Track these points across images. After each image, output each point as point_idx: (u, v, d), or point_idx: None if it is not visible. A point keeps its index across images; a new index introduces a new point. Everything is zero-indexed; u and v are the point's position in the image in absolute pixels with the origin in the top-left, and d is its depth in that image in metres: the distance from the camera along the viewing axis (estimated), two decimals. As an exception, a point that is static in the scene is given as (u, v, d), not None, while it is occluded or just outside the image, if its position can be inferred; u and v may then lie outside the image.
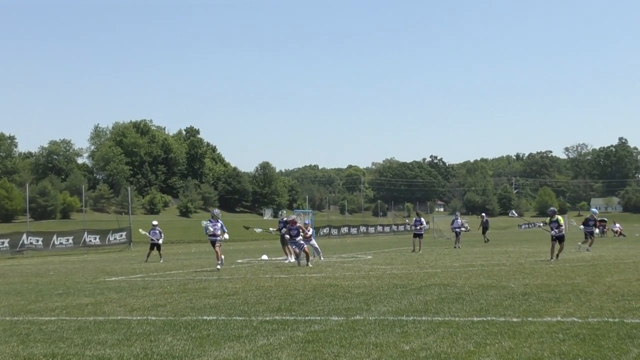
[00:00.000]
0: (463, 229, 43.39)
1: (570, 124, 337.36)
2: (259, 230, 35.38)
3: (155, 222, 39.90)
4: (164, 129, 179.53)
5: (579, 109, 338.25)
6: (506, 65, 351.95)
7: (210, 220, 26.75)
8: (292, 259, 29.71)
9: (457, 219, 45.80)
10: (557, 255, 27.20)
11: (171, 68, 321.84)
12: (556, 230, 27.07)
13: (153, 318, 12.99)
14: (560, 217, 27.73)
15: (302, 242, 27.33)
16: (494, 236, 55.70)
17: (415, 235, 39.03)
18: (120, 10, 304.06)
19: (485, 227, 55.45)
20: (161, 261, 35.25)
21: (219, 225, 26.38)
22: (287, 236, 28.33)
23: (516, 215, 36.72)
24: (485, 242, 51.66)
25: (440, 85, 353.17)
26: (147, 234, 37.24)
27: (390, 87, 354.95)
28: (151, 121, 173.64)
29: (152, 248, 36.96)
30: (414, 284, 18.12)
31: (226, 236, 26.62)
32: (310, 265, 26.37)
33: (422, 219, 40.25)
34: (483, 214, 61.72)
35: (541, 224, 28.32)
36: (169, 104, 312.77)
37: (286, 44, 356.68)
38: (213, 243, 26.46)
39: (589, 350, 8.56)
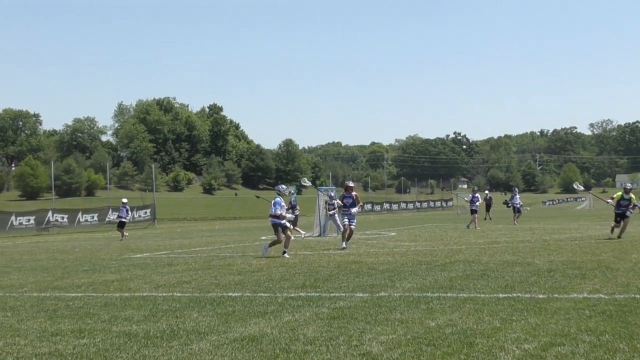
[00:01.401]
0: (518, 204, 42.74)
1: (595, 99, 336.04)
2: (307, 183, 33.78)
3: (124, 200, 40.18)
4: (187, 106, 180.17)
5: (604, 84, 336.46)
6: (530, 41, 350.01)
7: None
8: (305, 233, 29.68)
9: (516, 195, 44.60)
10: (620, 236, 25.16)
11: (194, 45, 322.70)
12: (624, 208, 25.23)
13: (178, 294, 13.05)
14: (633, 196, 25.64)
15: (353, 219, 24.30)
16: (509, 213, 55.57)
17: (472, 212, 38.58)
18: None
19: (488, 204, 54.97)
20: (121, 240, 35.47)
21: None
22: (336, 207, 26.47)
23: (582, 188, 35.36)
24: (485, 219, 50.79)
25: (464, 62, 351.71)
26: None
27: (412, 63, 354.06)
28: (175, 98, 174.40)
29: (121, 226, 37.30)
30: (439, 261, 18.09)
31: (289, 216, 22.76)
32: (345, 246, 23.66)
33: (478, 195, 40.17)
34: (487, 191, 61.25)
35: (609, 200, 26.31)
36: (193, 82, 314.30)
37: (310, 22, 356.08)
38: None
39: (616, 327, 8.51)
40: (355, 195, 24.57)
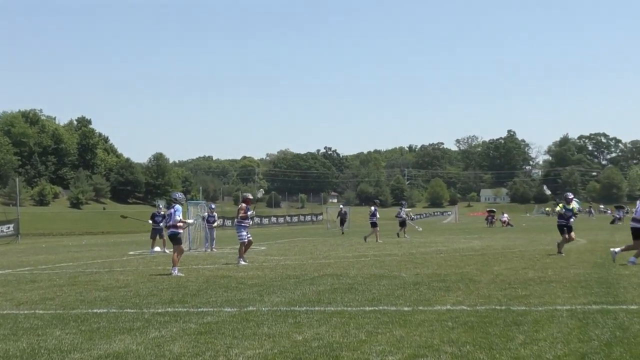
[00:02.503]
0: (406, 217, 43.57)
1: (462, 116, 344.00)
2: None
3: None
4: (55, 119, 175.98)
5: (470, 101, 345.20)
6: (398, 59, 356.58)
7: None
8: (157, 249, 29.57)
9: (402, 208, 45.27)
10: (560, 251, 23.92)
11: (61, 57, 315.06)
12: (566, 221, 24.22)
13: (41, 312, 12.69)
14: (575, 205, 24.74)
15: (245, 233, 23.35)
16: (387, 227, 56.37)
17: (373, 225, 38.76)
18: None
19: (343, 219, 55.85)
20: None
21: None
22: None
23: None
24: (342, 234, 52.14)
25: (334, 78, 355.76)
26: None
27: (283, 78, 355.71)
28: (41, 111, 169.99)
29: None
30: (307, 275, 18.19)
31: (190, 221, 23.41)
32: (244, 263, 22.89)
33: (374, 208, 40.48)
34: (341, 206, 62.15)
35: (551, 211, 25.54)
36: (60, 94, 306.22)
37: (179, 36, 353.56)
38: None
39: (477, 337, 8.75)
40: (241, 207, 24.02)
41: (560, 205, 24.87)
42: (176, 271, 19.80)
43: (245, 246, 23.36)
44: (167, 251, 31.34)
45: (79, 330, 10.36)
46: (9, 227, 60.41)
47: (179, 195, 22.04)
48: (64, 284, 17.85)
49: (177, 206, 20.91)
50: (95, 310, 12.57)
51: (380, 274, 17.92)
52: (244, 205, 23.65)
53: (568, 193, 25.78)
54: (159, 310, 12.25)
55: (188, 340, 9.32)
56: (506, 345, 8.24)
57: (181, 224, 20.88)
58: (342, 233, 52.48)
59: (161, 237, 32.75)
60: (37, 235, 73.05)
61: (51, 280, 19.09)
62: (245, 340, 9.18)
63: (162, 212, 32.96)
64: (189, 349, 8.75)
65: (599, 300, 11.77)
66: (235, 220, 24.20)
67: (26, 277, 20.58)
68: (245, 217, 23.22)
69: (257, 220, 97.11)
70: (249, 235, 23.37)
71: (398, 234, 40.36)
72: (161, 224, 30.72)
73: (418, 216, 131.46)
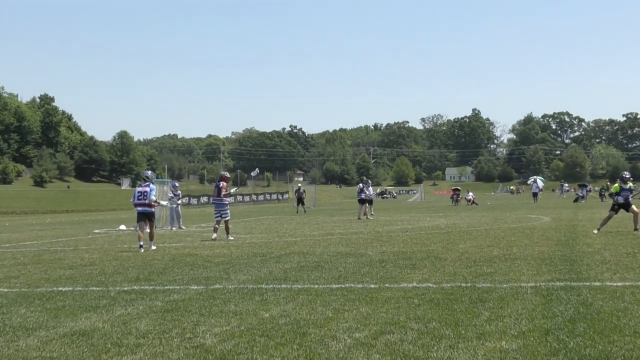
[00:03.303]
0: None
1: (427, 95, 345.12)
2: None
3: None
4: (17, 96, 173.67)
5: (435, 80, 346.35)
6: (365, 40, 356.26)
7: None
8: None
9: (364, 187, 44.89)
10: (636, 228, 23.04)
11: (24, 33, 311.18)
12: (630, 197, 23.88)
13: (5, 290, 12.59)
14: (631, 184, 24.37)
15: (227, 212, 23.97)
16: (350, 205, 56.33)
17: (361, 202, 39.02)
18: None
19: (300, 198, 55.47)
20: None
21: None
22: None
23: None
24: (297, 212, 51.85)
25: (300, 58, 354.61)
26: None
27: (247, 58, 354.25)
28: (3, 88, 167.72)
29: None
30: (274, 253, 18.19)
31: (164, 202, 23.78)
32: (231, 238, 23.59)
33: (362, 185, 40.44)
34: (299, 185, 61.93)
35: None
36: (23, 71, 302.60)
37: (144, 13, 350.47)
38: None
39: (442, 314, 8.80)
40: (222, 186, 24.31)
41: (617, 185, 24.40)
42: (143, 246, 20.20)
43: (226, 223, 23.84)
44: (183, 227, 32.04)
45: (44, 308, 10.29)
46: (-29, 206, 59.86)
47: (150, 173, 22.20)
48: (28, 263, 17.72)
49: (152, 185, 21.10)
50: (60, 289, 12.47)
51: (346, 251, 17.96)
52: (224, 183, 23.93)
53: (625, 172, 25.58)
54: (125, 288, 12.20)
55: (154, 317, 9.29)
56: (471, 322, 8.30)
57: (155, 203, 21.17)
58: (297, 212, 51.78)
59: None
60: (0, 214, 72.38)
61: (15, 259, 18.93)
62: (212, 317, 9.17)
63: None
64: (156, 326, 8.72)
65: (563, 277, 11.88)
66: (214, 198, 24.65)
67: (-11, 256, 20.38)
68: (228, 195, 23.97)
69: (174, 202, 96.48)
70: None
71: (363, 215, 39.74)
72: (163, 201, 30.60)
73: (382, 196, 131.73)
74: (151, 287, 12.26)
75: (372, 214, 39.47)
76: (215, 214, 24.06)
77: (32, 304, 10.73)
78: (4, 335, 8.53)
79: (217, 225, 23.92)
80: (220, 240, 23.06)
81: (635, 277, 11.67)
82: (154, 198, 20.88)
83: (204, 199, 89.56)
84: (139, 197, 20.98)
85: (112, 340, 7.99)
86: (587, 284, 11.00)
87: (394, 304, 9.70)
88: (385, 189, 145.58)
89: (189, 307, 9.96)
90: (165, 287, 12.20)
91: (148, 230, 20.81)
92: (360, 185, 40.33)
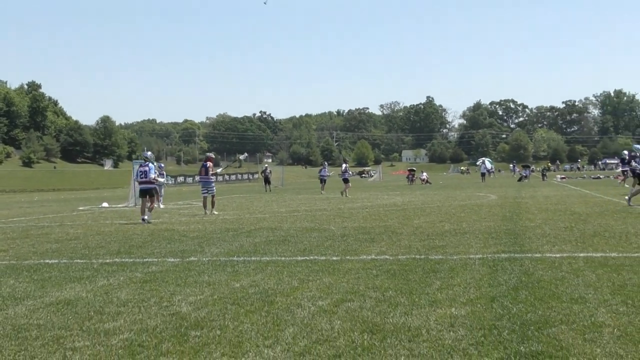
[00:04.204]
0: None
1: (385, 83, 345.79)
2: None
3: None
4: (6, 83, 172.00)
5: (393, 69, 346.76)
6: (327, 28, 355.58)
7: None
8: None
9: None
10: None
11: (12, 24, 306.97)
12: None
13: (-5, 263, 12.47)
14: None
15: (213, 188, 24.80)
16: (314, 184, 56.29)
17: (345, 181, 39.26)
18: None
19: (267, 178, 55.50)
20: None
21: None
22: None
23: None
24: (265, 191, 51.80)
25: (269, 46, 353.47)
26: None
27: (222, 46, 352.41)
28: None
29: None
30: (245, 228, 18.17)
31: (162, 180, 24.70)
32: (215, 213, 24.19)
33: (346, 166, 41.14)
34: (266, 165, 61.78)
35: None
36: (11, 58, 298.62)
37: (122, 2, 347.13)
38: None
39: (398, 284, 8.84)
40: (209, 166, 25.31)
41: None
42: (146, 218, 21.17)
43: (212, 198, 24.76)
44: (162, 206, 31.36)
45: (31, 279, 10.21)
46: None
47: (149, 154, 23.31)
48: (17, 237, 17.55)
49: (151, 165, 22.11)
50: (46, 261, 12.38)
51: (311, 227, 17.98)
52: (211, 163, 25.05)
53: None
54: (107, 261, 12.13)
55: (134, 287, 9.25)
56: (424, 290, 8.34)
57: (155, 180, 22.34)
58: (266, 191, 51.71)
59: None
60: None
61: (5, 234, 18.74)
62: (187, 287, 9.14)
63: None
64: (135, 295, 8.68)
65: (507, 249, 11.97)
66: (201, 176, 25.43)
67: (-19, 231, 20.16)
68: (215, 174, 25.22)
69: (197, 178, 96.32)
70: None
71: (342, 193, 39.17)
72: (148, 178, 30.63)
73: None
74: (131, 260, 12.20)
75: (346, 194, 39.22)
76: (203, 190, 24.90)
77: (21, 275, 10.64)
78: (-6, 304, 8.46)
79: (205, 202, 24.71)
80: (210, 214, 23.84)
81: (572, 249, 11.79)
82: (153, 175, 21.97)
83: (180, 179, 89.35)
84: (141, 176, 22.07)
85: (94, 308, 7.95)
86: (529, 255, 11.10)
87: (354, 274, 9.72)
88: (364, 169, 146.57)
89: (166, 278, 9.92)
90: (144, 260, 12.14)
91: (149, 205, 21.62)
92: (344, 165, 40.44)
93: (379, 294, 8.22)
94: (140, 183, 22.30)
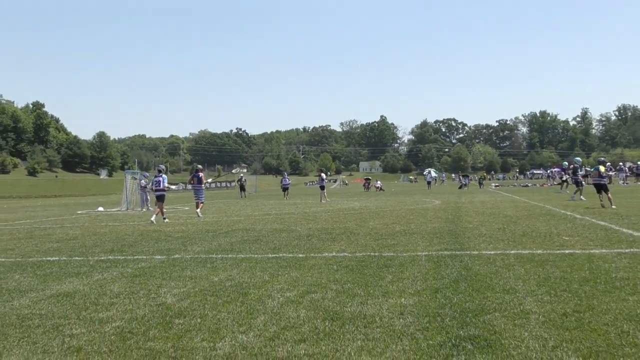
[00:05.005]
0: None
1: (344, 103, 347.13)
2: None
3: None
4: (13, 102, 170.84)
5: (350, 91, 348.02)
6: (293, 53, 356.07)
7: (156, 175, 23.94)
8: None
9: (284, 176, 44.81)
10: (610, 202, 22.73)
11: (20, 50, 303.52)
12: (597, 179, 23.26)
13: (2, 260, 12.30)
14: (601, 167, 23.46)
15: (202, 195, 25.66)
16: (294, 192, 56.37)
17: (321, 188, 39.27)
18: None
19: (242, 185, 55.90)
20: None
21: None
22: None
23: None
24: (241, 197, 51.73)
25: (244, 71, 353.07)
26: None
27: (202, 70, 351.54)
28: (1, 96, 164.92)
29: None
30: (222, 229, 18.09)
31: (173, 187, 25.23)
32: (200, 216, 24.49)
33: (323, 175, 40.58)
34: (241, 175, 61.92)
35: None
36: (18, 81, 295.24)
37: (122, 20, 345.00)
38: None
39: (355, 277, 8.85)
40: (202, 176, 26.09)
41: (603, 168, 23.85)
42: (155, 217, 22.21)
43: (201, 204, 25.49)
44: (150, 208, 31.38)
45: (35, 275, 10.08)
46: (-25, 192, 58.37)
47: (162, 166, 24.97)
48: (22, 237, 17.33)
49: (164, 175, 23.46)
50: (48, 258, 12.24)
51: (280, 228, 17.94)
52: (202, 174, 26.00)
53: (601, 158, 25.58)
54: (102, 258, 12.01)
55: (125, 281, 9.17)
56: (378, 283, 8.36)
57: (167, 188, 23.40)
58: (241, 197, 51.59)
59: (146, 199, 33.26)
60: (-1, 198, 70.50)
61: (11, 234, 18.50)
62: (172, 281, 9.08)
63: (144, 181, 33.81)
64: (126, 288, 8.61)
65: (449, 247, 12.02)
66: (194, 185, 25.90)
67: (-10, 232, 19.87)
68: (204, 182, 26.27)
69: (182, 186, 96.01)
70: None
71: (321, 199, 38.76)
72: (147, 186, 31.47)
73: (311, 183, 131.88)
74: (123, 257, 12.09)
75: (326, 199, 38.82)
76: (195, 197, 25.56)
77: (25, 271, 10.51)
78: (0, 296, 8.34)
79: (198, 207, 25.23)
80: (201, 217, 24.31)
81: (504, 246, 11.88)
82: (166, 184, 23.28)
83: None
84: (156, 185, 23.28)
85: (90, 299, 7.87)
86: (468, 252, 11.16)
87: (318, 269, 9.72)
88: (341, 177, 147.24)
89: (153, 273, 9.84)
90: (135, 257, 12.04)
91: (158, 209, 22.87)
92: (322, 175, 40.35)
93: (339, 286, 8.22)
94: (155, 190, 23.30)
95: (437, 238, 13.89)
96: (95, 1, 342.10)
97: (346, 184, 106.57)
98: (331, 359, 5.22)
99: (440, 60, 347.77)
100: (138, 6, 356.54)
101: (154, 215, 22.51)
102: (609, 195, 22.84)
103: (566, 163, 34.45)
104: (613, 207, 22.05)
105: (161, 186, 23.11)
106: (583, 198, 28.15)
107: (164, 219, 22.70)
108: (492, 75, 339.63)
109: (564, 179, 41.33)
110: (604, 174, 23.42)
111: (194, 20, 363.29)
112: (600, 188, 22.93)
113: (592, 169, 24.02)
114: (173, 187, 26.08)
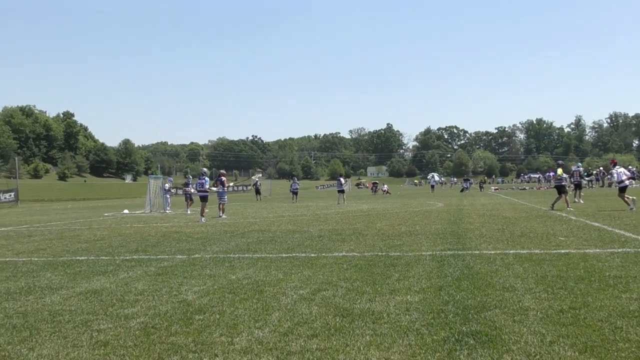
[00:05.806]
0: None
1: (353, 112, 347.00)
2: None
3: None
4: (46, 112, 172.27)
5: (359, 100, 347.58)
6: (305, 63, 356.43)
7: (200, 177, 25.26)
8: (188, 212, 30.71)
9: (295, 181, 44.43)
10: (567, 203, 23.24)
11: (52, 62, 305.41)
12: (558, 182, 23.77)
13: (36, 259, 12.34)
14: (559, 170, 24.12)
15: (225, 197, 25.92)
16: (303, 195, 56.37)
17: (340, 192, 39.05)
18: None
19: (257, 189, 55.93)
20: None
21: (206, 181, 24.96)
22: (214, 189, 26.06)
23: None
24: (256, 200, 50.95)
25: (260, 81, 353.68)
26: None
27: (222, 81, 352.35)
28: (35, 106, 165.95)
29: None
30: (239, 230, 18.09)
31: (214, 189, 25.40)
32: (223, 216, 24.84)
33: (342, 179, 40.72)
34: (256, 179, 61.84)
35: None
36: (50, 92, 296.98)
37: (141, 28, 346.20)
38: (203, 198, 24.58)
39: (364, 276, 8.82)
40: (224, 180, 26.05)
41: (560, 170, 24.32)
42: (202, 220, 22.60)
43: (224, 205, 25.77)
44: (189, 211, 31.62)
45: (65, 273, 10.11)
46: (10, 195, 59.08)
47: (205, 170, 26.28)
48: (53, 238, 17.38)
49: (206, 178, 24.47)
50: (77, 258, 12.26)
51: (293, 229, 17.92)
52: (225, 178, 25.86)
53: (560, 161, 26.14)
54: (127, 258, 12.03)
55: (149, 279, 9.17)
56: (385, 281, 8.33)
57: (209, 190, 24.30)
58: (257, 200, 51.35)
59: (190, 199, 33.71)
60: (32, 201, 70.78)
61: (43, 235, 18.57)
62: (192, 279, 9.08)
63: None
64: (150, 286, 8.61)
65: (452, 247, 11.98)
66: (218, 188, 25.60)
67: (24, 233, 19.98)
68: (229, 187, 25.86)
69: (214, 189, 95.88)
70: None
71: (339, 202, 38.28)
72: (192, 190, 32.06)
73: (322, 187, 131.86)
74: (147, 257, 12.11)
75: (344, 201, 38.47)
76: (219, 199, 25.62)
77: (56, 270, 10.53)
78: (34, 293, 8.37)
79: (220, 209, 25.50)
80: (225, 218, 24.49)
81: (504, 246, 11.82)
82: (207, 187, 24.17)
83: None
84: (199, 187, 24.37)
85: (116, 296, 7.88)
86: (469, 252, 11.12)
87: (329, 268, 9.70)
88: (361, 181, 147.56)
89: (175, 272, 9.85)
90: (158, 257, 12.05)
91: (206, 209, 23.95)
92: (341, 179, 40.31)
93: (349, 284, 8.19)
94: (198, 191, 24.32)
95: (441, 238, 13.84)
96: (116, 13, 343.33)
97: (366, 187, 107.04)
98: (342, 353, 5.20)
99: (442, 72, 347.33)
100: (153, 18, 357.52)
101: (202, 218, 22.87)
102: (567, 197, 23.57)
103: (573, 168, 33.64)
104: (569, 208, 22.80)
105: (204, 187, 24.04)
106: (578, 200, 28.08)
107: (202, 217, 23.04)
108: (491, 85, 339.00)
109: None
110: (561, 177, 24.00)
111: (218, 35, 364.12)
112: (560, 190, 23.61)
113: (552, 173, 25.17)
114: (214, 189, 25.83)
